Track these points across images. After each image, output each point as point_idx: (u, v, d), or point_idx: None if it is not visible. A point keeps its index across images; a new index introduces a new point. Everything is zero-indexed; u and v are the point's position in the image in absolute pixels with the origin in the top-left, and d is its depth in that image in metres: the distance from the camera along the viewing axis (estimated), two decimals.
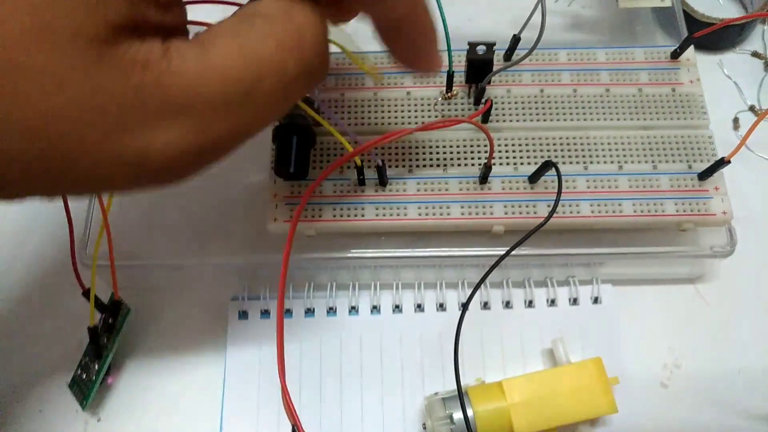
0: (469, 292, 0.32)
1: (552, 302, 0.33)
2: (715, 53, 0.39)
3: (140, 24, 0.15)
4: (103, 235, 0.28)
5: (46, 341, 0.32)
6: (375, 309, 0.33)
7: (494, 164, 0.30)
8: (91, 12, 0.14)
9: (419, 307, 0.33)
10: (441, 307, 0.33)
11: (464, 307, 0.27)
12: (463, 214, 0.30)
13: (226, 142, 0.17)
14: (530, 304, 0.33)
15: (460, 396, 0.26)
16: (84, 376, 0.30)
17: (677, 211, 0.30)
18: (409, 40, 0.23)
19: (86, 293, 0.29)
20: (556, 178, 0.30)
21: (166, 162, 0.16)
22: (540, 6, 0.25)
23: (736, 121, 0.37)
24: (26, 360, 0.32)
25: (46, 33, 0.14)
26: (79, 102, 0.14)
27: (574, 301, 0.33)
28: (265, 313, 0.33)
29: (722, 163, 0.28)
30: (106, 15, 0.14)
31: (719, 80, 0.38)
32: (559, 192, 0.27)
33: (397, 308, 0.33)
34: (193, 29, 0.18)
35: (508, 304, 0.32)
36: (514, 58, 0.33)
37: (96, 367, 0.29)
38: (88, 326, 0.29)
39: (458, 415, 0.28)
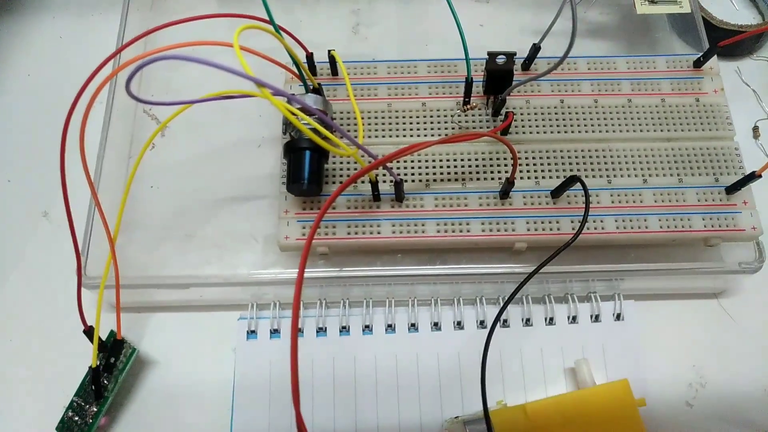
0: (486, 308, 0.31)
1: (573, 319, 0.31)
2: (732, 60, 0.38)
3: None
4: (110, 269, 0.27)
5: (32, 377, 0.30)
6: (390, 327, 0.31)
7: (515, 178, 0.29)
8: None
9: (436, 326, 0.31)
10: (458, 325, 0.31)
11: (492, 325, 0.26)
12: (483, 230, 0.29)
13: None
14: (550, 321, 0.31)
15: (488, 422, 0.25)
16: (76, 418, 0.28)
17: (705, 226, 0.29)
18: None
19: (88, 332, 0.27)
20: (579, 192, 0.29)
21: None
22: (572, 14, 0.23)
23: (755, 129, 0.36)
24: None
25: None
26: None
27: (596, 318, 0.31)
28: (275, 333, 0.31)
29: (752, 177, 0.27)
30: None
31: (737, 87, 0.37)
32: (587, 210, 0.26)
33: (413, 326, 0.31)
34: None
35: (527, 322, 0.31)
36: (534, 68, 0.32)
37: (94, 408, 0.28)
38: (90, 366, 0.28)
39: None
